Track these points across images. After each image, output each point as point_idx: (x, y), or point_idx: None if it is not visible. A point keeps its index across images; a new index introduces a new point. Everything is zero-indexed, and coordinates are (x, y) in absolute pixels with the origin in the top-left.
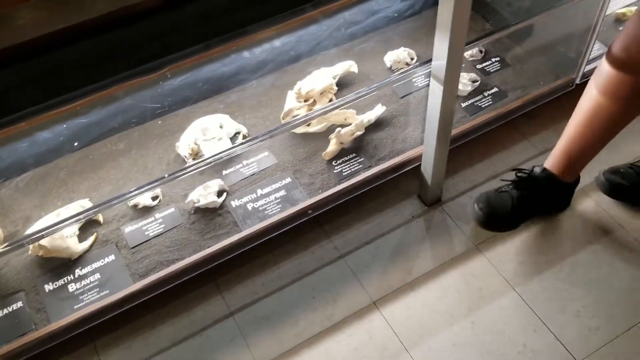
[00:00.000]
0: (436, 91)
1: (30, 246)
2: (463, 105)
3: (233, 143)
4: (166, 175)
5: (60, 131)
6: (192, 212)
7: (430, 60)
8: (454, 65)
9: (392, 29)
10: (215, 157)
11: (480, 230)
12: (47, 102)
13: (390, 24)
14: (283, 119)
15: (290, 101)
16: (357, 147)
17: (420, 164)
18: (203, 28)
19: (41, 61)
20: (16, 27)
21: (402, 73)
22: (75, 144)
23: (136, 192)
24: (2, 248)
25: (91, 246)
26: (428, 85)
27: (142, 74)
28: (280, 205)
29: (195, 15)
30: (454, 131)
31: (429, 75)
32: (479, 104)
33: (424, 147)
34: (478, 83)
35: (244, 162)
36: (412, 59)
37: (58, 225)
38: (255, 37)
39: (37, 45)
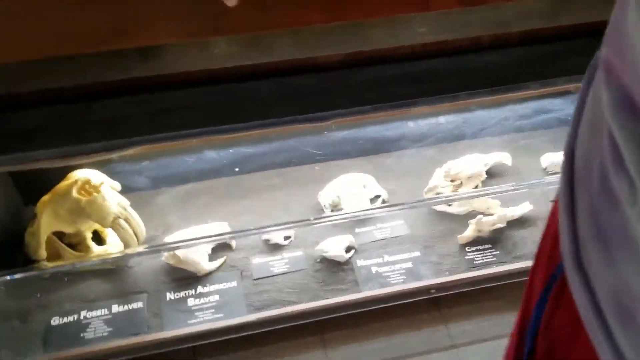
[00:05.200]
0: None
1: (166, 253)
2: None
3: (372, 204)
4: (312, 219)
5: (225, 155)
6: (318, 260)
7: None
8: None
9: (557, 130)
10: (357, 213)
11: None
12: (220, 126)
13: (558, 126)
14: (426, 193)
15: (437, 178)
16: (494, 239)
17: None
18: (375, 92)
19: (224, 89)
20: (211, 54)
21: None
22: (237, 169)
23: (275, 228)
24: (144, 248)
25: (218, 268)
26: None
27: (311, 120)
28: (404, 277)
29: (371, 78)
30: None
31: None
32: None
33: None
34: None
35: (378, 225)
36: None
37: (196, 239)
38: (423, 110)
39: (223, 75)
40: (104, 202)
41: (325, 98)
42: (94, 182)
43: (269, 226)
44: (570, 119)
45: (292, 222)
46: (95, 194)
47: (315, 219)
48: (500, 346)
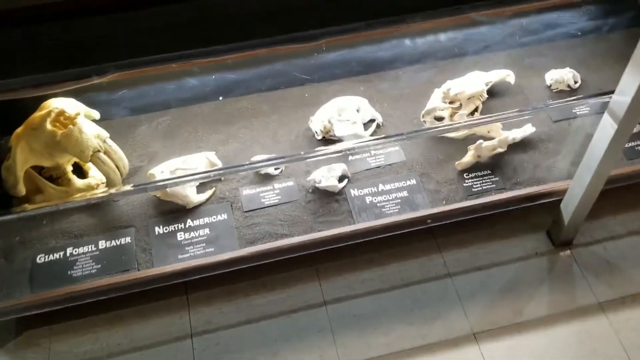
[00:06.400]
0: (607, 128)
1: None
2: None
3: (366, 130)
4: (302, 153)
5: (208, 81)
6: (310, 190)
7: (605, 93)
8: (638, 106)
9: (563, 46)
10: (349, 147)
11: (609, 287)
12: (201, 49)
13: (566, 40)
14: (423, 117)
15: (435, 100)
16: (494, 164)
17: (561, 199)
18: (368, 5)
19: (203, 5)
20: None
21: (567, 102)
22: (220, 98)
23: (265, 163)
24: (130, 187)
25: (208, 199)
26: (587, 115)
27: (299, 40)
28: (399, 207)
29: None
30: None
31: (593, 106)
32: None
33: (573, 183)
34: None
35: (372, 153)
36: (575, 82)
37: (182, 178)
38: (422, 26)
39: None
40: (81, 135)
41: (314, 14)
42: (69, 112)
43: (260, 162)
44: (580, 34)
45: (284, 157)
46: (71, 126)
47: (305, 153)
48: (493, 275)
